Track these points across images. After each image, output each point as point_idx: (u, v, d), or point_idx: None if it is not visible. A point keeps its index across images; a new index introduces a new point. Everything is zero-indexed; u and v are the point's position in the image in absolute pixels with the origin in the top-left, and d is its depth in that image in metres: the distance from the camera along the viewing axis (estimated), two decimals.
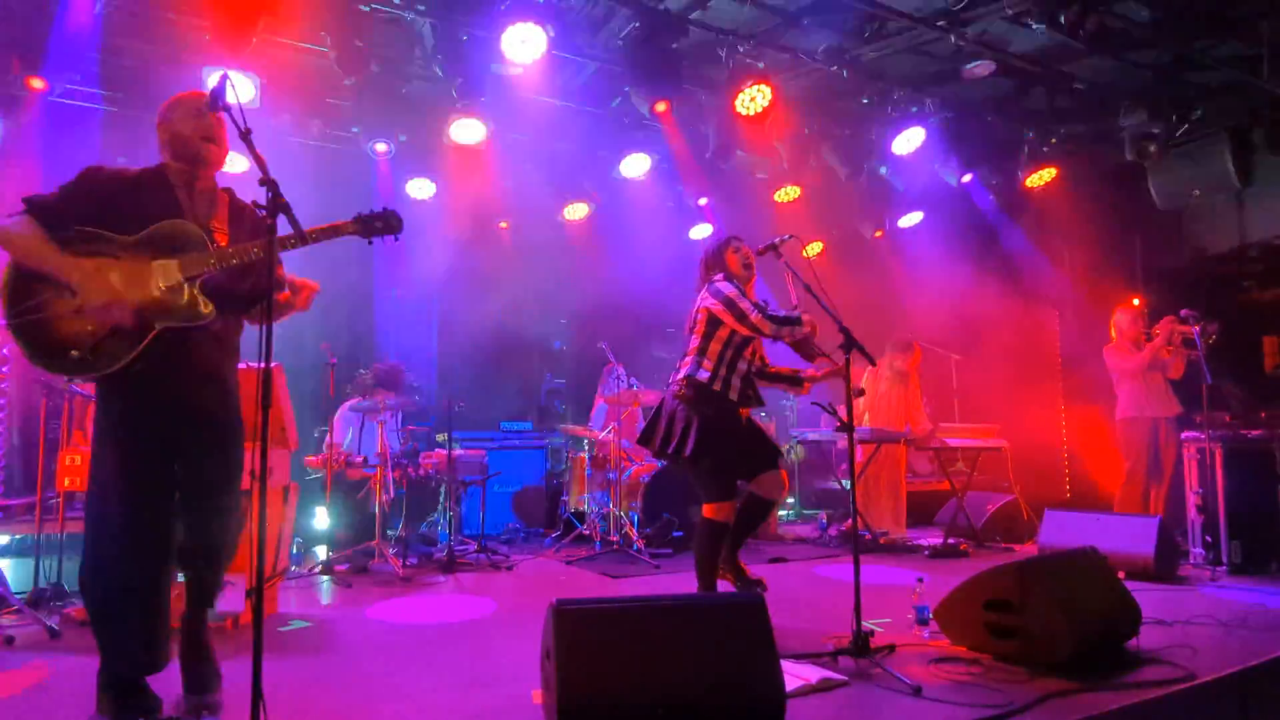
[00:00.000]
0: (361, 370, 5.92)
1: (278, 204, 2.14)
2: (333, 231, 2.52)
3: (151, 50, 5.13)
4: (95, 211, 2.40)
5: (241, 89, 2.60)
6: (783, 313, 3.46)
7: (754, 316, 3.45)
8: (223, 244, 2.46)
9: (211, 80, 2.39)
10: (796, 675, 2.68)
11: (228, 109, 2.33)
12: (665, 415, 3.58)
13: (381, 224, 2.59)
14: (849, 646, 2.96)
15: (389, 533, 5.34)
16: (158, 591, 2.39)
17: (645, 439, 3.65)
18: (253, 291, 2.56)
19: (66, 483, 3.63)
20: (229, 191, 2.62)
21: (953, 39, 5.18)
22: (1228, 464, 4.91)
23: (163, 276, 2.37)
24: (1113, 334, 5.85)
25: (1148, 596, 3.52)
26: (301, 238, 2.34)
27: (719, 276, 3.64)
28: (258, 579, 1.89)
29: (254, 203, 2.18)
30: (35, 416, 4.47)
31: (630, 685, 2.18)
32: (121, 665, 2.35)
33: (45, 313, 2.32)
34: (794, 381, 3.70)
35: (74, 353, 2.31)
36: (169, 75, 4.87)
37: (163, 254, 2.39)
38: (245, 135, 2.26)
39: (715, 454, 3.43)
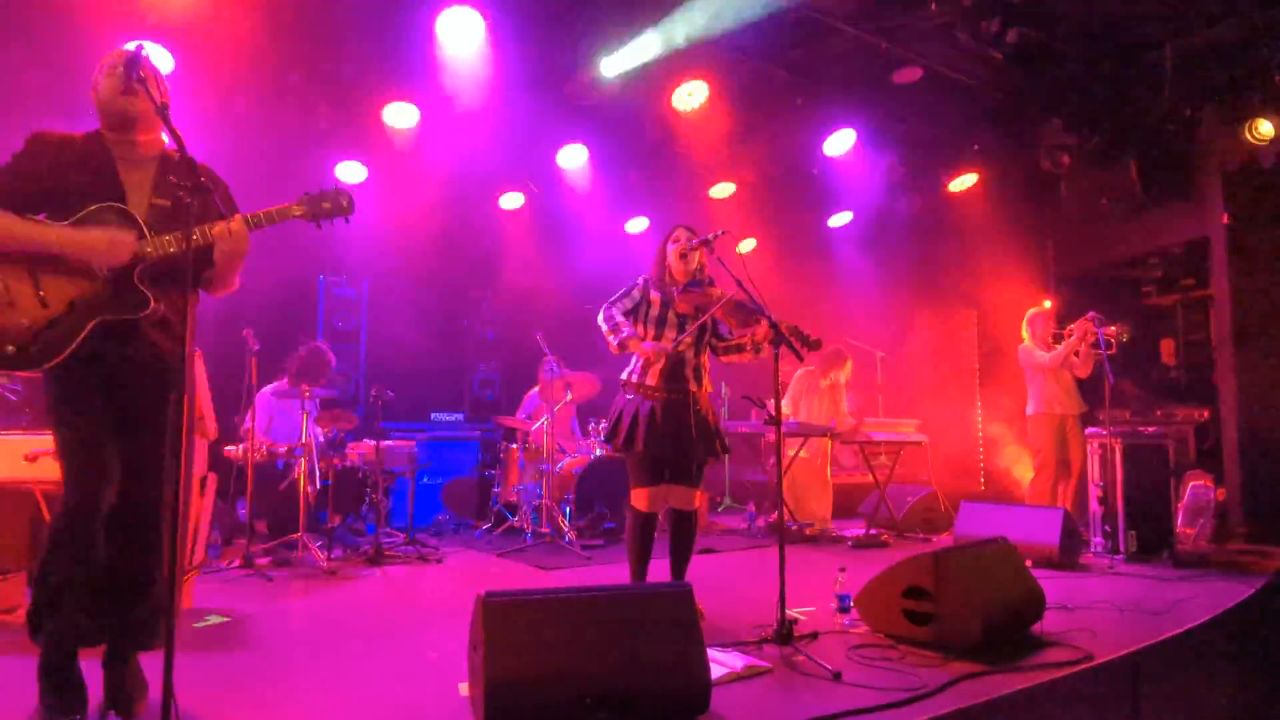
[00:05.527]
0: (282, 358, 5.73)
1: (208, 206, 2.06)
2: (278, 215, 2.36)
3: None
4: (40, 185, 2.25)
5: (159, 64, 2.49)
6: (625, 331, 3.53)
7: (602, 324, 3.59)
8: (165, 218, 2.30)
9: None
10: (722, 663, 2.73)
11: (143, 81, 2.24)
12: (615, 409, 3.65)
13: (330, 204, 2.43)
14: (773, 635, 3.04)
15: (314, 524, 5.19)
16: (92, 570, 2.25)
17: (606, 436, 3.70)
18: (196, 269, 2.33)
19: None
20: (178, 156, 2.29)
21: (883, 45, 5.34)
22: (1126, 459, 5.21)
23: (99, 266, 2.23)
24: (1025, 335, 6.12)
25: (1052, 583, 3.72)
26: (244, 225, 2.24)
27: (641, 277, 3.72)
28: (172, 572, 1.83)
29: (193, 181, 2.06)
30: None
31: (558, 675, 2.20)
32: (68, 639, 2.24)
33: None
34: (740, 349, 3.72)
35: (9, 348, 2.17)
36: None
37: None
38: (162, 110, 2.17)
39: (637, 440, 3.46)
